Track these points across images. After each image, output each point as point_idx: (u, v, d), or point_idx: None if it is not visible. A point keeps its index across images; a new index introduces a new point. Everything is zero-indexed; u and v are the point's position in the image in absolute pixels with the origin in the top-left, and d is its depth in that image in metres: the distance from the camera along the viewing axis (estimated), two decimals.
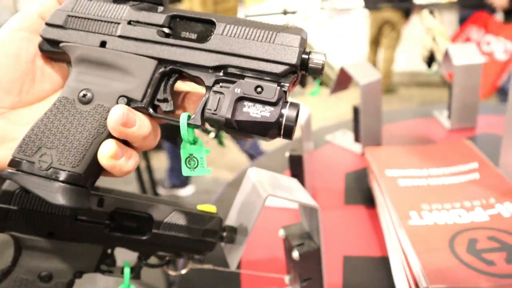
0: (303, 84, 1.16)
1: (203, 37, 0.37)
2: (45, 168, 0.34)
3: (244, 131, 0.35)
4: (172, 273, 0.51)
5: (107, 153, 0.34)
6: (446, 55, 1.02)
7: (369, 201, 0.79)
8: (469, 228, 0.58)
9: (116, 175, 0.35)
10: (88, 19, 0.38)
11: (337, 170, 0.91)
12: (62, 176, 0.34)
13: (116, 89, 0.36)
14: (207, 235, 0.46)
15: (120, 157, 0.34)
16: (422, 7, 5.02)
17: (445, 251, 0.54)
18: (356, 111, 0.94)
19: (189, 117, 0.36)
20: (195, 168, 0.38)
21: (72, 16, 0.38)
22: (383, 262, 0.63)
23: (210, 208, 0.47)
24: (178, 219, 0.44)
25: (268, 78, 0.35)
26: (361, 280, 0.61)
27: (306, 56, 0.36)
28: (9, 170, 0.34)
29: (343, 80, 0.98)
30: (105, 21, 0.37)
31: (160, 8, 0.38)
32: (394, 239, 0.61)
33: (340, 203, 0.80)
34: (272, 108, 0.35)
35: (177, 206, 0.45)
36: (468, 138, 0.91)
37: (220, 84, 0.36)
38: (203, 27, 0.37)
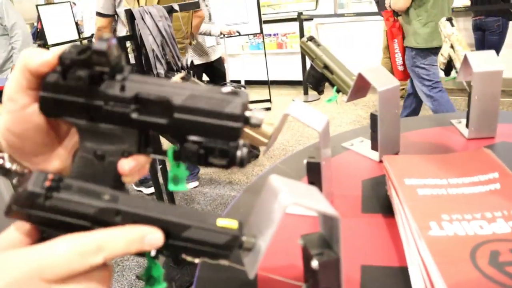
0: (319, 91, 1.16)
1: (164, 113, 0.42)
2: None
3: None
4: (189, 259, 0.51)
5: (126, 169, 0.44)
6: (465, 62, 1.01)
7: (386, 209, 0.78)
8: (491, 240, 0.57)
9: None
10: (72, 102, 0.42)
11: (354, 177, 0.91)
12: None
13: (118, 149, 0.44)
14: (223, 249, 0.45)
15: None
16: None
17: (467, 263, 0.53)
18: (373, 118, 0.93)
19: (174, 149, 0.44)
20: (177, 184, 0.46)
21: (56, 100, 0.42)
22: (402, 273, 0.62)
23: (231, 225, 0.46)
24: (195, 234, 0.44)
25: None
26: None
27: (248, 115, 0.41)
28: None
29: (361, 87, 0.98)
30: (87, 104, 0.42)
31: (123, 84, 0.42)
32: (414, 250, 0.60)
33: (357, 211, 0.79)
34: (228, 159, 0.43)
35: (197, 219, 0.44)
36: (487, 147, 0.90)
37: (188, 144, 0.43)
38: (163, 102, 0.42)
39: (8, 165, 0.45)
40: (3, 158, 0.45)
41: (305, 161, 0.75)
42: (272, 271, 0.65)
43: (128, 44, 2.49)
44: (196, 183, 3.50)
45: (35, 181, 0.39)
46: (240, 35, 4.74)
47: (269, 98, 5.51)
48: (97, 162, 0.44)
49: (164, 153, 0.46)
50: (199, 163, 0.43)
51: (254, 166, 3.58)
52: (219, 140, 0.42)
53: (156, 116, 0.42)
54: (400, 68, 3.65)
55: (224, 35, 4.35)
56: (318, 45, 1.09)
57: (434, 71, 3.32)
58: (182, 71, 2.39)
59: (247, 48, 6.88)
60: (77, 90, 0.42)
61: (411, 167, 0.78)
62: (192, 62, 3.46)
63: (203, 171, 3.63)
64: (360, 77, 0.93)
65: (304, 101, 3.85)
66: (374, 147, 0.98)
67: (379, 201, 0.82)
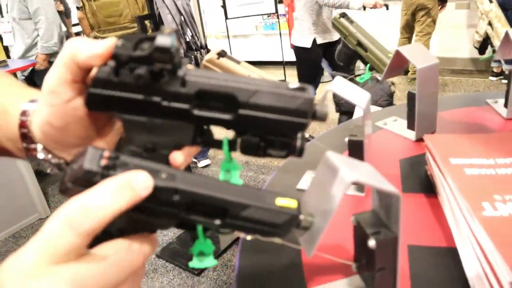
0: (350, 70, 1.14)
1: (228, 109, 0.41)
2: None
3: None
4: (241, 235, 0.50)
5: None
6: (506, 39, 0.98)
7: (427, 189, 0.77)
8: None
9: None
10: (123, 99, 0.40)
11: (391, 157, 0.89)
12: None
13: (170, 141, 0.43)
14: (281, 228, 0.44)
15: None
16: None
17: None
18: (411, 96, 0.91)
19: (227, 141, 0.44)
20: (229, 179, 0.47)
21: (107, 96, 0.40)
22: (450, 253, 0.61)
23: (290, 204, 0.45)
24: (254, 214, 0.43)
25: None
26: (428, 270, 0.60)
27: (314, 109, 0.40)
28: None
29: (397, 65, 0.95)
30: (140, 100, 0.40)
31: (184, 80, 0.40)
32: (465, 231, 0.59)
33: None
34: (288, 150, 0.43)
35: (256, 198, 0.43)
36: None
37: (248, 136, 0.43)
38: (227, 100, 0.41)
39: (40, 156, 0.43)
40: (35, 149, 0.43)
41: (346, 139, 0.73)
42: (318, 249, 0.64)
43: (147, 22, 2.47)
44: (208, 161, 3.49)
45: (91, 159, 0.37)
46: (387, 9, 3.57)
47: (284, 79, 5.47)
48: (147, 155, 0.42)
49: (217, 143, 0.45)
50: (256, 154, 0.42)
51: None
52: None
53: (219, 112, 0.41)
54: None
55: (365, 8, 3.35)
56: (351, 21, 1.06)
57: None
58: (202, 50, 2.36)
59: (261, 29, 6.80)
60: (133, 87, 0.39)
61: (455, 146, 0.76)
62: (314, 40, 3.26)
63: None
64: (398, 55, 0.90)
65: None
66: (410, 126, 0.95)
67: (419, 180, 0.80)
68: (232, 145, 0.45)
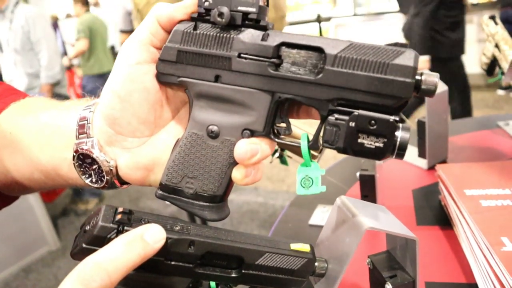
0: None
1: (314, 67, 0.37)
2: (191, 193, 0.41)
3: (358, 156, 0.37)
4: None
5: (240, 177, 0.39)
6: None
7: (442, 220, 0.75)
8: None
9: (249, 185, 0.41)
10: (199, 53, 0.38)
11: (404, 187, 0.87)
12: (206, 199, 0.41)
13: (238, 123, 0.39)
14: (297, 275, 0.43)
15: (250, 175, 0.40)
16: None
17: None
18: (421, 125, 0.90)
19: (307, 138, 0.39)
20: (309, 187, 0.40)
21: (183, 51, 0.39)
22: None
23: (304, 248, 0.44)
24: (270, 261, 0.42)
25: (381, 110, 0.35)
26: None
27: (419, 78, 0.35)
28: (161, 192, 0.42)
29: None
30: (216, 56, 0.38)
31: (266, 34, 0.37)
32: (485, 267, 0.57)
33: (412, 224, 0.76)
34: (385, 140, 0.35)
35: (270, 246, 0.42)
36: None
37: (335, 116, 0.36)
38: (313, 55, 0.37)
39: (95, 152, 0.42)
40: (92, 142, 0.42)
41: (358, 174, 0.72)
42: None
43: None
44: None
45: (106, 215, 0.37)
46: None
47: None
48: (209, 140, 0.40)
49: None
50: (346, 145, 0.36)
51: (280, 170, 3.55)
52: (376, 112, 0.35)
53: (301, 70, 0.37)
54: None
55: None
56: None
57: None
58: None
59: None
60: (209, 36, 0.38)
61: (469, 176, 0.74)
62: None
63: None
64: None
65: None
66: (422, 154, 0.94)
67: (433, 211, 0.79)
68: (314, 143, 0.39)
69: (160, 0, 2.61)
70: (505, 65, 1.05)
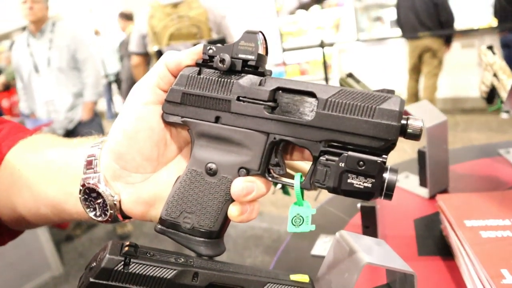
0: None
1: (306, 111, 0.39)
2: (188, 228, 0.43)
3: (348, 196, 0.38)
4: None
5: (236, 214, 0.41)
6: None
7: (444, 251, 0.75)
8: None
9: (245, 222, 0.42)
10: (202, 96, 0.41)
11: (405, 217, 0.88)
12: (203, 234, 0.42)
13: (235, 162, 0.41)
14: None
15: (246, 212, 0.41)
16: (462, 33, 4.96)
17: None
18: (421, 154, 0.91)
19: (301, 177, 0.40)
20: (300, 225, 0.42)
21: (187, 94, 0.42)
22: None
23: (303, 278, 0.45)
24: None
25: (370, 151, 0.37)
26: None
27: (405, 122, 0.37)
28: (160, 227, 0.44)
29: None
30: (217, 98, 0.41)
31: (263, 79, 0.40)
32: None
33: (413, 254, 0.76)
34: (373, 180, 0.37)
35: (271, 277, 0.43)
36: None
37: (326, 156, 0.38)
38: (305, 99, 0.39)
39: (101, 187, 0.44)
40: (98, 178, 0.44)
41: (358, 205, 0.73)
42: None
43: None
44: None
45: (114, 249, 0.38)
46: None
47: None
48: (208, 177, 0.42)
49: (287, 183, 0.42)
50: (336, 185, 0.38)
51: (285, 196, 3.54)
52: (365, 154, 0.37)
53: (294, 113, 0.39)
54: None
55: None
56: (357, 81, 1.09)
57: None
58: None
59: None
60: (211, 81, 0.41)
61: (469, 207, 0.75)
62: None
63: None
64: (405, 113, 0.91)
65: None
66: (423, 183, 0.95)
67: (435, 241, 0.79)
68: (307, 182, 0.40)
69: (175, 24, 2.61)
70: (504, 94, 1.06)
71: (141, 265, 0.38)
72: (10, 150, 0.51)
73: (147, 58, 2.90)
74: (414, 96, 4.71)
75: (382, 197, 0.38)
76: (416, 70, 4.70)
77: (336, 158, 0.38)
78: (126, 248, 0.39)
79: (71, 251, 3.23)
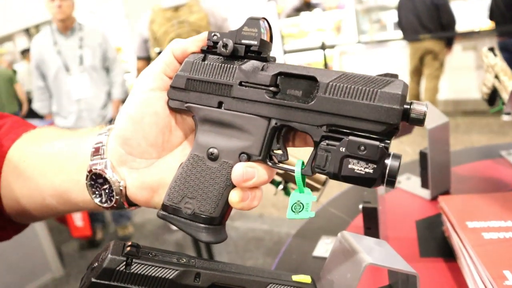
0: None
1: (307, 94, 0.39)
2: (189, 213, 0.43)
3: (349, 183, 0.38)
4: None
5: (236, 200, 0.41)
6: None
7: (446, 252, 0.75)
8: None
9: (246, 210, 0.42)
10: (205, 81, 0.42)
11: (407, 218, 0.88)
12: (203, 220, 0.42)
13: (236, 147, 0.41)
14: None
15: (247, 199, 0.41)
16: (463, 35, 4.95)
17: None
18: (423, 156, 0.91)
19: (302, 164, 0.40)
20: (299, 212, 0.41)
21: (191, 79, 0.42)
22: None
23: (305, 279, 0.45)
24: None
25: (371, 136, 0.37)
26: None
27: (408, 107, 0.36)
28: (162, 212, 0.44)
29: (404, 125, 0.96)
30: (219, 83, 0.41)
31: (266, 65, 0.41)
32: None
33: (415, 256, 0.76)
34: (375, 166, 0.36)
35: (273, 277, 0.43)
36: None
37: (327, 141, 0.38)
38: (307, 84, 0.39)
39: (108, 173, 0.44)
40: (105, 163, 0.45)
41: (360, 206, 0.73)
42: None
43: None
44: None
45: (116, 249, 0.39)
46: None
47: None
48: (209, 162, 0.42)
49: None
50: (336, 170, 0.37)
51: (286, 198, 3.53)
52: (366, 138, 0.36)
53: (296, 97, 0.39)
54: None
55: None
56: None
57: None
58: None
59: None
60: (215, 66, 0.42)
61: (471, 208, 0.75)
62: None
63: None
64: None
65: None
66: (425, 184, 0.95)
67: (437, 243, 0.79)
68: (309, 169, 0.40)
69: (176, 30, 2.62)
70: (505, 96, 1.06)
71: (143, 265, 0.38)
72: (14, 143, 0.51)
73: (150, 62, 2.91)
74: (416, 98, 4.71)
75: (385, 184, 0.37)
76: (417, 72, 4.70)
77: (337, 143, 0.37)
78: (128, 248, 0.39)
79: (72, 252, 3.23)
